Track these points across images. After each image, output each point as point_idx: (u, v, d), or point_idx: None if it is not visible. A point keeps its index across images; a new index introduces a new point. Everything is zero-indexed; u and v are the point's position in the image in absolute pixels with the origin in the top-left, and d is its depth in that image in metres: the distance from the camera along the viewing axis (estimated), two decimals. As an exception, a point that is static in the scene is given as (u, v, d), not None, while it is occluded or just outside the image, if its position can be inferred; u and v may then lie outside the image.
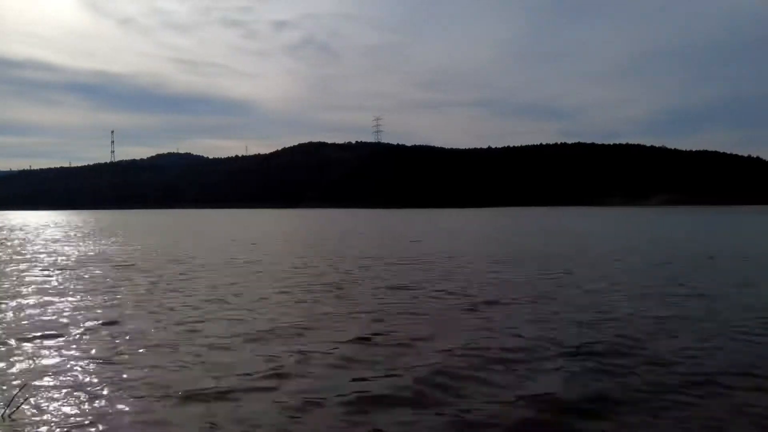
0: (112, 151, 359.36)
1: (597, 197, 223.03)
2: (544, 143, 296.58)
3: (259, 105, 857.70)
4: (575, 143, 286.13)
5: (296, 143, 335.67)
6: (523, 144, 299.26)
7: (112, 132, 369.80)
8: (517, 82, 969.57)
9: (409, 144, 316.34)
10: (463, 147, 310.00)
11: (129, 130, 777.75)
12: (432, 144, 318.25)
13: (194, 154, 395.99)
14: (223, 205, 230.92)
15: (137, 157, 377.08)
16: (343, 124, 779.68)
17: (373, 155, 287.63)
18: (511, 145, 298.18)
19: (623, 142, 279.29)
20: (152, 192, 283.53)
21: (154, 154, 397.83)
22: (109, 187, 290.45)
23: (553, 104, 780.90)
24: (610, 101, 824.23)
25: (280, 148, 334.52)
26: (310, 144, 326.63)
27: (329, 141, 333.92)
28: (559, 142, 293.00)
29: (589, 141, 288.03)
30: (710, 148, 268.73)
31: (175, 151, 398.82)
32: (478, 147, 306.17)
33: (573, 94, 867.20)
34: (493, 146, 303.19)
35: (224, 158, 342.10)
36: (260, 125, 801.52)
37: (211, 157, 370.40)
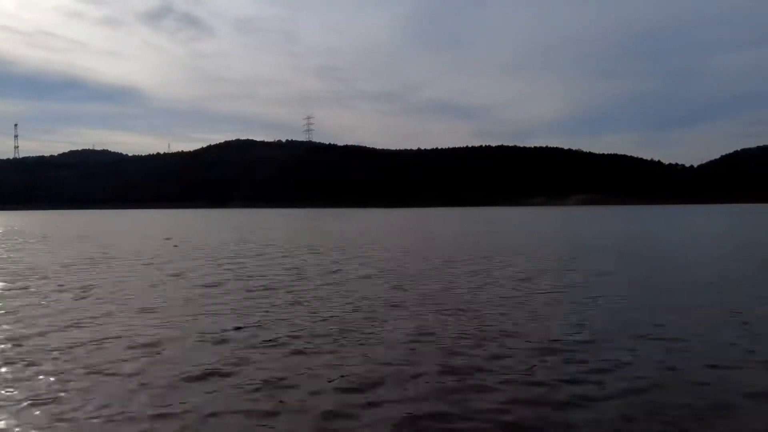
0: (16, 147, 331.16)
1: (521, 197, 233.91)
2: (470, 145, 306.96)
3: (141, 92, 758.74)
4: (499, 146, 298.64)
5: (222, 140, 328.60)
6: (451, 146, 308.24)
7: (16, 125, 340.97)
8: (422, 72, 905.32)
9: (340, 144, 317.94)
10: (393, 148, 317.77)
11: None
12: (363, 144, 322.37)
13: (112, 150, 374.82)
14: (143, 206, 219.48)
15: (45, 153, 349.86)
16: (244, 116, 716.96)
17: (304, 154, 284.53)
18: (439, 147, 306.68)
19: (542, 144, 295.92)
20: (65, 191, 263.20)
21: (66, 151, 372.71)
22: (15, 186, 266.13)
23: (463, 101, 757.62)
24: (520, 98, 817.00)
25: (205, 146, 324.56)
26: (238, 141, 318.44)
27: (244, 137, 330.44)
28: (483, 144, 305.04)
29: (504, 141, 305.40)
30: (620, 149, 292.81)
31: (91, 148, 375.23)
32: (409, 148, 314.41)
33: (482, 90, 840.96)
34: (423, 148, 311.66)
35: (145, 156, 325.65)
36: (152, 116, 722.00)
37: (131, 154, 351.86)
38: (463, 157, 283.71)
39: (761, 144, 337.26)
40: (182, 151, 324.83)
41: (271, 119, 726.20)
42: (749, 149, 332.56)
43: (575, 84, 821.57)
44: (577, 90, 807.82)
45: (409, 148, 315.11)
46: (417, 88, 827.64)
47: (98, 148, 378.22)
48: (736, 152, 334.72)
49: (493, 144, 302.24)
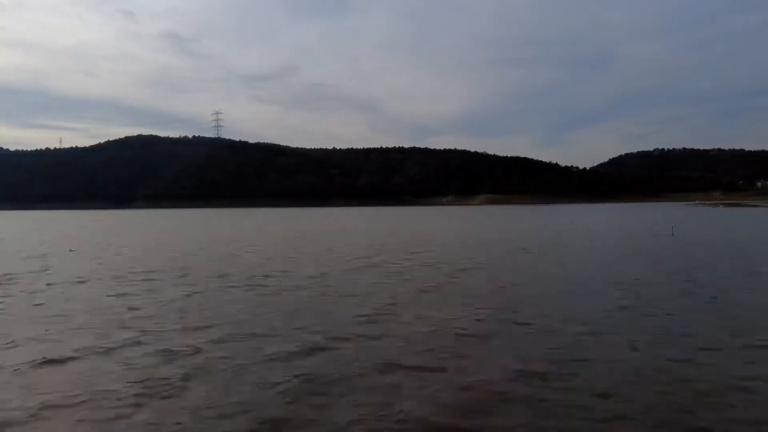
0: None
1: (433, 196, 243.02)
2: (383, 146, 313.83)
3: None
4: (411, 147, 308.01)
5: (123, 135, 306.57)
6: (366, 146, 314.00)
7: None
8: (295, 47, 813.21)
9: (251, 141, 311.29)
10: (309, 147, 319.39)
11: None
12: (276, 142, 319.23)
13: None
14: (28, 206, 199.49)
15: None
16: (102, 100, 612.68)
17: (213, 151, 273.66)
18: (355, 147, 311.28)
19: (450, 146, 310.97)
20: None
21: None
22: None
23: (352, 89, 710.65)
24: (414, 88, 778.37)
25: (103, 141, 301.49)
26: (140, 137, 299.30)
27: (145, 133, 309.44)
28: (397, 146, 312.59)
29: (402, 137, 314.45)
30: (522, 150, 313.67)
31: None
32: (325, 147, 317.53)
33: (369, 74, 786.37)
34: (338, 147, 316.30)
35: (31, 151, 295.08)
36: None
37: (12, 149, 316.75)
38: (378, 158, 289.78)
39: (641, 149, 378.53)
40: (76, 146, 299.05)
41: (134, 105, 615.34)
42: (631, 154, 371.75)
43: (474, 73, 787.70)
44: (476, 80, 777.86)
45: (324, 147, 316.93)
46: (295, 69, 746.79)
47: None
48: (620, 156, 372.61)
49: (406, 146, 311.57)
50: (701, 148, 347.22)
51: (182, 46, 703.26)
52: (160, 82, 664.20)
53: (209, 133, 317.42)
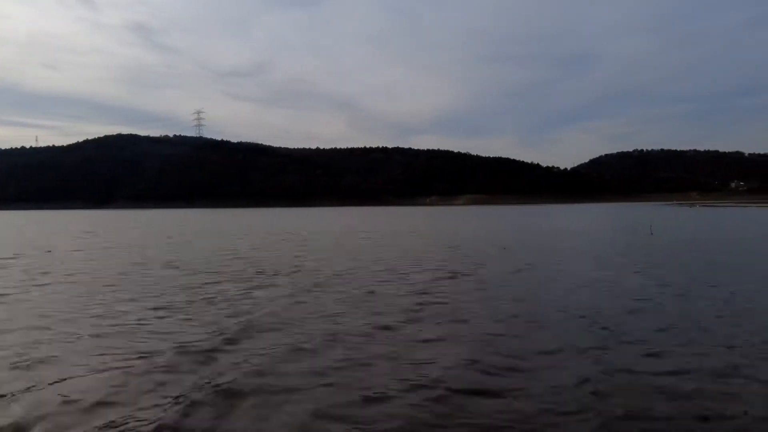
0: None
1: (416, 197, 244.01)
2: (368, 146, 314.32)
3: None
4: (395, 147, 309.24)
5: (98, 133, 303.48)
6: (349, 146, 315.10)
7: None
8: (268, 39, 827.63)
9: (233, 140, 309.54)
10: (291, 146, 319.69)
11: None
12: (258, 141, 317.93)
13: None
14: (3, 206, 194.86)
15: None
16: (73, 97, 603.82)
17: (194, 151, 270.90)
18: (338, 147, 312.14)
19: (434, 147, 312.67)
20: None
21: None
22: None
23: (329, 86, 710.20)
24: (394, 84, 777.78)
25: (81, 140, 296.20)
26: (120, 136, 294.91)
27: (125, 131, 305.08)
28: (380, 146, 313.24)
29: (383, 136, 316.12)
30: (504, 150, 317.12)
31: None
32: (307, 147, 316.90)
33: (347, 70, 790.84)
34: (321, 147, 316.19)
35: (5, 150, 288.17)
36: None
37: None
38: (361, 157, 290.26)
39: (620, 150, 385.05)
40: (53, 145, 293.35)
41: (108, 102, 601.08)
42: (611, 155, 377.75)
43: (458, 71, 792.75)
44: (460, 78, 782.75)
45: (307, 146, 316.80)
46: (269, 63, 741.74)
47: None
48: (600, 157, 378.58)
49: (389, 145, 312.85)
50: (678, 149, 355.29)
51: (151, 39, 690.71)
52: (132, 78, 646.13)
53: (187, 131, 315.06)
